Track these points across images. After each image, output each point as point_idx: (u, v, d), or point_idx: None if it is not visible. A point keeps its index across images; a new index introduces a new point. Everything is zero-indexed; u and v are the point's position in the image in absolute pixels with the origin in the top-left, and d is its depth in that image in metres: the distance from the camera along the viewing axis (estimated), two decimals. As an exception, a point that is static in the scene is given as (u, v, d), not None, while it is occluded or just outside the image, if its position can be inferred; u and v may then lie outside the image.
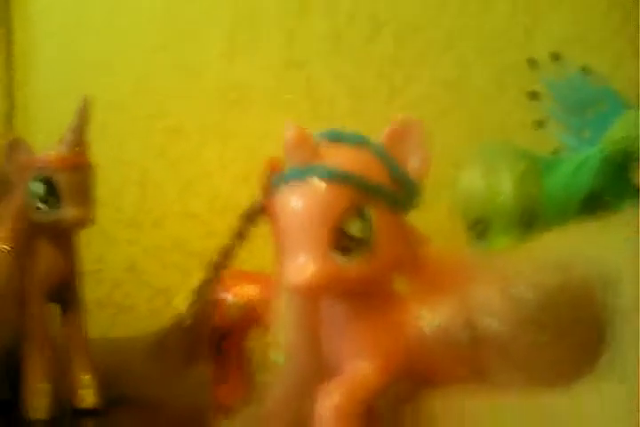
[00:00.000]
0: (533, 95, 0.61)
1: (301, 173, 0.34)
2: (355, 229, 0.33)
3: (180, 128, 0.88)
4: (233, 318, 0.53)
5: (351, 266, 0.33)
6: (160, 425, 0.55)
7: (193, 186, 0.88)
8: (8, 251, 0.56)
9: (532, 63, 0.61)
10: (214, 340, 0.54)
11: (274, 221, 0.37)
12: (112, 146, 0.84)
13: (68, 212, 0.56)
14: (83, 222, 0.57)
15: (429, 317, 0.34)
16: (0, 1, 0.87)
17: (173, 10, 0.89)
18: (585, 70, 0.59)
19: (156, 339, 0.58)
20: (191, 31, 0.89)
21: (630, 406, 0.30)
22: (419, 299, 0.35)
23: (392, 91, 0.88)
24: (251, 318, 0.51)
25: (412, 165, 0.35)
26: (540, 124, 0.60)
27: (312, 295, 0.35)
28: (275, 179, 0.35)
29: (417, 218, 0.37)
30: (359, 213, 0.33)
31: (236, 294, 0.53)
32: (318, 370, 0.35)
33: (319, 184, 0.33)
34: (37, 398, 0.56)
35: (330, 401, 0.32)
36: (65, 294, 0.59)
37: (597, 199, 0.52)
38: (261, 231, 0.55)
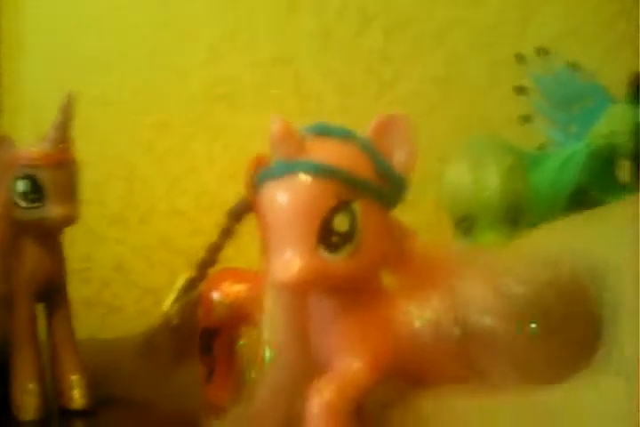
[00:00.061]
0: (520, 90, 0.61)
1: (287, 168, 0.34)
2: (341, 224, 0.33)
3: (167, 123, 0.88)
4: (220, 317, 0.52)
5: (337, 261, 0.33)
6: (149, 425, 0.55)
7: (180, 182, 0.88)
8: (-7, 249, 0.55)
9: (520, 58, 0.61)
10: (203, 339, 0.54)
11: (260, 217, 0.36)
12: (99, 142, 0.83)
13: (53, 209, 0.55)
14: (68, 220, 0.56)
15: (418, 312, 0.34)
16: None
17: (161, 6, 0.88)
18: (572, 65, 0.59)
19: (144, 339, 0.58)
20: (179, 27, 0.88)
21: (630, 401, 0.30)
22: (407, 294, 0.35)
23: (381, 86, 0.88)
24: (239, 316, 0.51)
25: (399, 159, 0.35)
26: (526, 119, 0.60)
27: (299, 291, 0.35)
28: (260, 174, 0.35)
29: (403, 213, 0.36)
30: (345, 208, 0.33)
31: (223, 292, 0.52)
32: (307, 367, 0.35)
33: (305, 179, 0.33)
34: (26, 399, 0.55)
35: (320, 398, 0.33)
36: (52, 293, 0.58)
37: (584, 194, 0.52)
38: (248, 228, 0.55)
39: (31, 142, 0.58)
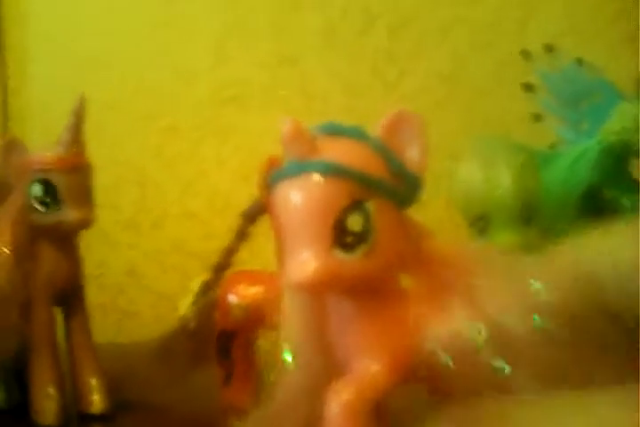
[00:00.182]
0: (528, 87, 0.60)
1: (300, 168, 0.33)
2: (354, 223, 0.33)
3: (176, 127, 0.88)
4: (237, 319, 0.52)
5: (353, 261, 0.33)
6: (168, 429, 0.55)
7: (192, 185, 0.88)
8: (9, 254, 0.55)
9: (526, 55, 0.61)
10: (220, 342, 0.54)
11: (274, 218, 0.36)
12: (109, 146, 0.84)
13: (69, 213, 0.55)
14: (84, 224, 0.56)
15: (438, 318, 0.34)
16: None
17: (167, 9, 0.89)
18: (579, 62, 0.59)
19: (161, 343, 0.58)
20: (185, 30, 0.89)
21: None
22: (427, 297, 0.34)
23: (386, 85, 0.88)
24: (255, 318, 0.51)
25: (411, 157, 0.34)
26: (537, 117, 0.59)
27: (315, 292, 0.35)
28: (273, 174, 0.35)
29: (413, 212, 0.36)
30: (359, 207, 0.33)
31: (239, 294, 0.53)
32: (326, 368, 0.35)
33: (317, 179, 0.33)
34: (46, 403, 0.56)
35: (339, 399, 0.32)
36: (70, 297, 0.59)
37: (596, 192, 0.52)
38: (262, 230, 0.55)
39: (44, 146, 0.58)
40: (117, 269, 0.88)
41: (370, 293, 0.35)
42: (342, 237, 0.33)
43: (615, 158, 0.52)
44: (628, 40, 0.79)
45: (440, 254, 0.35)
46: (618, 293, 0.32)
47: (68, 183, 0.56)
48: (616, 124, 0.53)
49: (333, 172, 0.33)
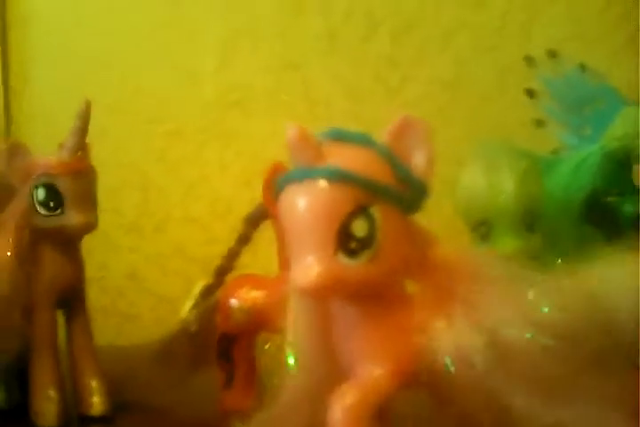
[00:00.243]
0: (531, 93, 0.61)
1: (305, 174, 0.33)
2: (359, 229, 0.33)
3: (179, 131, 0.88)
4: (239, 323, 0.53)
5: (357, 267, 0.33)
6: (168, 431, 0.55)
7: (194, 189, 0.88)
8: (12, 257, 0.56)
9: (530, 61, 0.61)
10: (221, 345, 0.54)
11: (278, 223, 0.37)
12: (112, 150, 0.84)
13: (73, 217, 0.55)
14: (88, 227, 0.56)
15: (441, 329, 0.33)
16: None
17: (172, 12, 0.89)
18: (582, 67, 0.59)
19: (162, 345, 0.58)
20: (188, 34, 0.89)
21: None
22: (431, 303, 0.34)
23: (389, 90, 0.88)
24: (257, 322, 0.51)
25: (417, 162, 0.34)
26: (540, 123, 0.59)
27: (318, 296, 0.35)
28: (279, 180, 0.35)
29: (417, 218, 0.36)
30: (363, 212, 0.33)
31: (241, 298, 0.53)
32: (330, 373, 0.35)
33: (323, 185, 0.33)
34: (46, 405, 0.56)
35: (342, 404, 0.33)
36: (71, 300, 0.59)
37: (599, 198, 0.52)
38: (264, 235, 0.55)
39: (49, 151, 0.58)
40: (118, 272, 0.88)
41: (374, 298, 0.35)
42: (346, 243, 0.33)
43: (617, 164, 0.52)
44: (632, 45, 0.80)
45: (446, 261, 0.35)
46: (627, 320, 0.32)
47: (72, 187, 0.56)
48: (619, 129, 0.53)
49: (339, 178, 0.33)
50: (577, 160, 0.53)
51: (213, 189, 0.88)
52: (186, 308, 0.58)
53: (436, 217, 0.37)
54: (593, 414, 0.31)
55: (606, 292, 0.33)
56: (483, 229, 0.51)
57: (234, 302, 0.53)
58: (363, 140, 0.35)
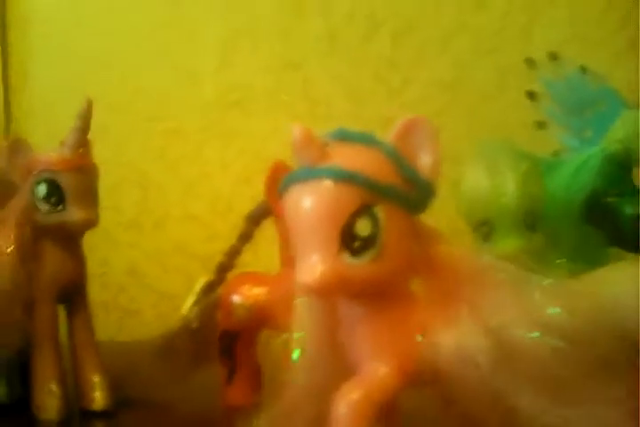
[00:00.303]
0: (532, 95, 0.61)
1: (309, 174, 0.34)
2: (363, 228, 0.33)
3: (179, 130, 0.89)
4: (240, 320, 0.53)
5: (360, 266, 0.33)
6: (169, 427, 0.55)
7: (193, 188, 0.89)
8: (13, 253, 0.56)
9: (530, 63, 0.62)
10: (223, 341, 0.54)
11: (282, 222, 0.37)
12: (112, 148, 0.84)
13: (74, 213, 0.55)
14: (89, 224, 0.56)
15: (444, 330, 0.34)
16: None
17: (171, 13, 0.89)
18: (583, 70, 0.59)
19: (163, 341, 0.59)
20: (188, 33, 0.89)
21: None
22: (436, 302, 0.34)
23: (389, 91, 0.89)
24: (258, 318, 0.52)
25: (423, 163, 0.35)
26: (541, 125, 0.60)
27: (322, 295, 0.35)
28: (284, 180, 0.35)
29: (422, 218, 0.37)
30: (367, 212, 0.33)
31: (243, 295, 0.53)
32: (335, 370, 0.35)
33: (328, 184, 0.33)
34: (48, 400, 0.56)
35: (346, 400, 0.33)
36: (73, 295, 0.59)
37: (599, 199, 0.52)
38: (265, 233, 0.56)
39: (48, 149, 0.58)
40: (119, 268, 0.88)
41: (379, 297, 0.35)
42: (350, 242, 0.33)
43: (618, 166, 0.53)
44: (632, 47, 0.80)
45: (452, 261, 0.35)
46: (635, 323, 0.32)
47: (73, 184, 0.56)
48: (619, 132, 0.53)
49: (343, 177, 0.33)
50: (578, 162, 0.53)
51: (214, 187, 0.88)
52: (187, 304, 0.58)
53: (437, 217, 0.37)
54: (599, 416, 0.31)
55: (614, 295, 0.33)
56: (484, 229, 0.52)
57: (236, 298, 0.53)
58: (369, 141, 0.35)
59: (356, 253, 0.33)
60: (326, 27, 0.89)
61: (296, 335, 0.36)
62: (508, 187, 0.51)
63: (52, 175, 0.56)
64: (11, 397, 0.60)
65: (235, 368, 0.54)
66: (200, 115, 0.89)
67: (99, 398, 0.58)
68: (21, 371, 0.59)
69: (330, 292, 0.34)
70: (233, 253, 0.57)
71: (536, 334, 0.32)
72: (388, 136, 0.35)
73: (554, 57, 0.60)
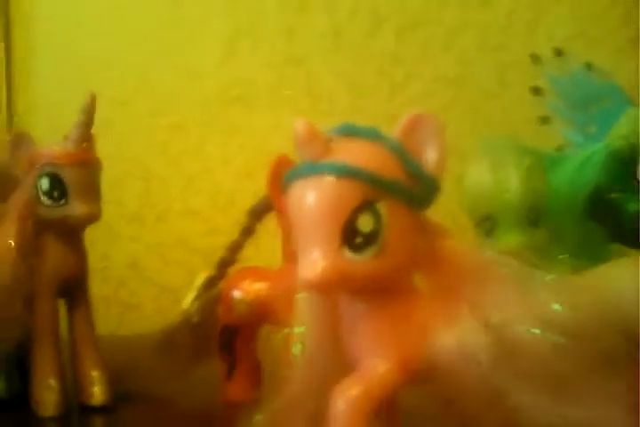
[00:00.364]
0: (536, 91, 0.61)
1: (313, 169, 0.33)
2: (365, 224, 0.33)
3: (182, 125, 0.88)
4: (241, 315, 0.53)
5: (362, 262, 0.33)
6: (168, 422, 0.55)
7: (195, 182, 0.88)
8: (14, 247, 0.56)
9: (535, 59, 0.61)
10: (223, 336, 0.54)
11: (284, 217, 0.37)
12: (115, 142, 0.84)
13: (77, 208, 0.55)
14: (91, 218, 0.56)
15: (446, 328, 0.33)
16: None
17: (174, 9, 0.89)
18: (588, 66, 0.59)
19: (163, 336, 0.58)
20: (192, 29, 0.89)
21: None
22: (439, 299, 0.34)
23: (393, 87, 0.88)
24: (259, 314, 0.52)
25: (428, 159, 0.34)
26: (544, 120, 0.60)
27: (323, 291, 0.35)
28: (287, 175, 0.35)
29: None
30: (369, 208, 0.33)
31: (243, 290, 0.53)
32: (336, 366, 0.35)
33: (330, 180, 0.33)
34: (47, 395, 0.55)
35: (345, 396, 0.33)
36: (74, 289, 0.59)
37: (602, 195, 0.52)
38: (267, 228, 0.56)
39: (47, 141, 0.58)
40: (120, 262, 0.88)
41: (381, 293, 0.34)
42: (352, 238, 0.32)
43: (622, 162, 0.52)
44: (635, 44, 0.80)
45: (455, 256, 0.35)
46: (638, 319, 0.32)
47: (76, 178, 0.56)
48: (623, 128, 0.53)
49: (345, 173, 0.33)
50: (582, 158, 0.53)
51: (215, 182, 0.88)
52: (188, 299, 0.58)
53: (440, 212, 0.37)
54: (601, 414, 0.31)
55: (617, 290, 0.33)
56: (487, 224, 0.52)
57: (236, 293, 0.53)
58: (373, 136, 0.34)
59: (357, 249, 0.33)
60: (330, 22, 0.88)
61: (297, 331, 0.36)
62: (511, 182, 0.51)
63: (55, 169, 0.56)
64: (10, 392, 0.60)
65: (235, 364, 0.54)
66: (203, 110, 0.88)
67: (97, 393, 0.57)
68: (20, 366, 0.59)
69: (331, 288, 0.34)
70: (234, 248, 0.57)
71: (538, 330, 0.32)
72: (394, 131, 0.35)
73: (559, 53, 0.60)
